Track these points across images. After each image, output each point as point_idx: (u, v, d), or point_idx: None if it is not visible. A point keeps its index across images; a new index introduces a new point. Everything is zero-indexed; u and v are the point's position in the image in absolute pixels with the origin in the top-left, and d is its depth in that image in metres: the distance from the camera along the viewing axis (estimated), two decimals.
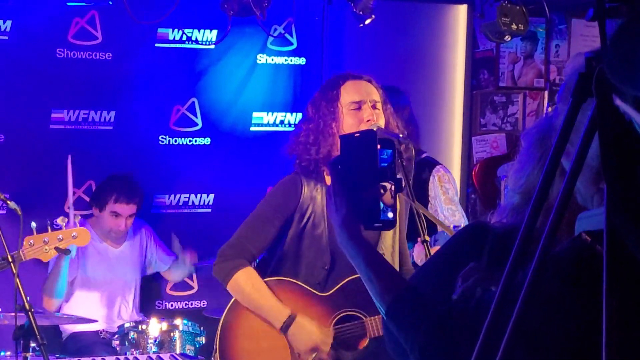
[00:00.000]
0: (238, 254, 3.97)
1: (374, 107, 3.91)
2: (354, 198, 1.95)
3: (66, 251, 4.27)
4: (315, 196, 3.97)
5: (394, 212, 1.94)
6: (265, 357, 3.98)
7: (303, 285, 3.96)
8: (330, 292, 3.94)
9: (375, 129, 3.93)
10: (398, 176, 1.97)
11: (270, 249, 4.07)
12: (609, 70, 1.19)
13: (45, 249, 4.19)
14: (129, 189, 5.59)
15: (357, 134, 2.02)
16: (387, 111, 4.00)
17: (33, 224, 4.17)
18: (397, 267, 4.03)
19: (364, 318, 3.94)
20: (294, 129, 4.13)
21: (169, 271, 5.98)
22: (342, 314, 3.95)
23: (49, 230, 4.24)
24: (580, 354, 1.63)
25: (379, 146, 1.93)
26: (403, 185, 1.98)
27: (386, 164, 1.94)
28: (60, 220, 4.28)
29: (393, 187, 1.94)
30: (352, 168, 1.97)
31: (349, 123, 3.86)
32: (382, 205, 1.92)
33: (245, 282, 3.94)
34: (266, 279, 3.98)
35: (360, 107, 3.90)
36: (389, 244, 4.06)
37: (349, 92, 3.92)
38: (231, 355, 4.00)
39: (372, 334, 3.92)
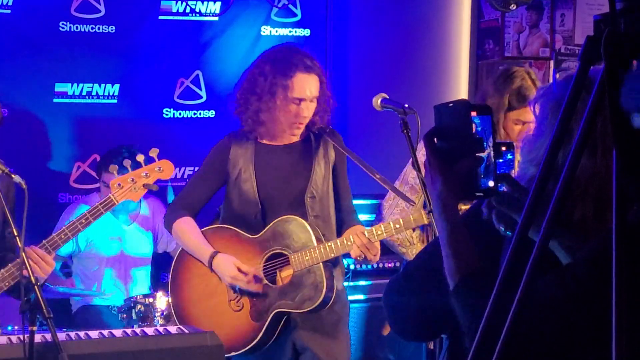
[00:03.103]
0: (180, 206, 4.58)
1: (310, 101, 4.40)
2: (450, 170, 1.91)
3: (153, 186, 4.28)
4: (244, 154, 4.50)
5: (495, 179, 1.88)
6: (206, 302, 4.53)
7: (237, 230, 4.47)
8: (260, 234, 4.43)
9: (380, 101, 4.05)
10: (497, 141, 1.90)
11: (223, 203, 4.63)
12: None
13: (134, 188, 4.21)
14: (119, 160, 5.44)
15: (451, 104, 1.97)
16: (321, 98, 4.46)
17: (114, 167, 4.26)
18: (331, 210, 4.52)
19: (288, 255, 4.38)
20: (237, 87, 4.54)
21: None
22: (270, 252, 4.44)
23: (129, 169, 4.23)
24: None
25: (474, 113, 1.88)
26: (503, 150, 1.91)
27: (483, 132, 1.88)
28: (139, 158, 4.24)
29: (492, 154, 1.88)
30: (448, 139, 1.93)
31: (286, 111, 4.38)
32: (481, 173, 1.87)
33: (182, 229, 4.53)
34: (206, 228, 4.57)
35: (300, 104, 4.37)
36: (318, 190, 4.48)
37: (297, 87, 4.36)
38: (179, 299, 4.60)
39: (295, 268, 4.37)
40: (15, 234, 3.62)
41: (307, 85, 4.39)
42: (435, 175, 1.93)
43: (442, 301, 1.94)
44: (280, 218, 4.39)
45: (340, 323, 4.53)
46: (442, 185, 1.91)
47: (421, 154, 4.33)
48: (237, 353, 4.45)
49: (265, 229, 4.42)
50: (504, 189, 1.85)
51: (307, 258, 4.30)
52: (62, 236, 4.12)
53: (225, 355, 4.33)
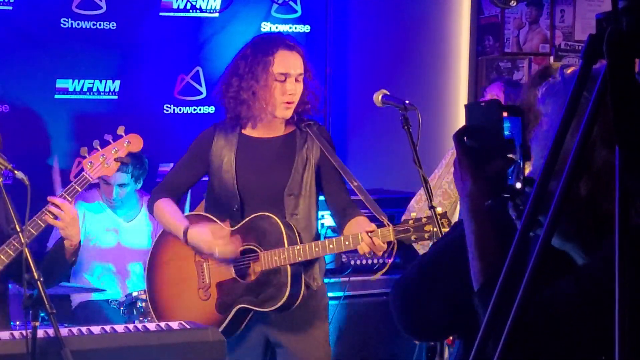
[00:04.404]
0: (162, 190, 4.60)
1: (296, 79, 4.37)
2: (481, 169, 1.90)
3: (125, 159, 4.36)
4: (227, 144, 4.47)
5: (523, 181, 1.86)
6: (176, 288, 4.56)
7: (215, 219, 4.45)
8: (236, 227, 4.40)
9: (381, 97, 4.08)
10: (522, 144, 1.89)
11: (206, 191, 4.64)
12: None
13: (107, 164, 4.25)
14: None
15: (483, 104, 1.97)
16: (307, 80, 4.44)
17: (84, 149, 4.26)
18: (312, 208, 4.47)
19: (259, 252, 4.35)
20: (221, 76, 4.54)
21: None
22: (243, 247, 4.39)
23: (99, 148, 4.27)
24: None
25: (505, 114, 1.87)
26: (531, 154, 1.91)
27: (513, 133, 1.87)
28: (107, 137, 4.30)
29: (519, 156, 1.86)
30: (478, 138, 1.92)
31: (273, 89, 4.32)
32: (509, 175, 1.86)
33: (161, 208, 4.55)
34: (188, 214, 4.66)
35: (285, 80, 4.34)
36: (297, 187, 4.43)
37: (280, 63, 4.35)
38: (153, 283, 4.66)
39: (263, 266, 4.33)
40: (18, 229, 3.64)
41: (290, 61, 4.36)
42: (465, 175, 1.91)
43: (457, 298, 1.93)
44: (255, 214, 4.36)
45: (315, 319, 4.49)
46: (472, 184, 1.90)
47: (450, 153, 4.33)
48: None
49: (241, 224, 4.39)
50: (529, 191, 1.85)
51: (275, 258, 4.27)
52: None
53: None
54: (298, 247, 4.25)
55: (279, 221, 4.30)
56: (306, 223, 4.44)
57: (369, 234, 4.11)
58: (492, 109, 1.91)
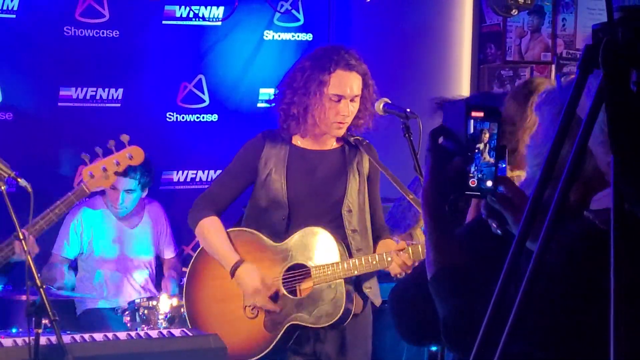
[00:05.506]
0: (207, 205, 4.45)
1: (351, 100, 4.25)
2: (441, 167, 1.95)
3: (124, 173, 4.38)
4: (277, 154, 4.37)
5: (495, 180, 1.90)
6: (220, 306, 4.42)
7: (260, 235, 4.36)
8: (284, 242, 4.32)
9: (383, 105, 4.10)
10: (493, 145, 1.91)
11: (249, 202, 4.51)
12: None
13: (106, 177, 4.27)
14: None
15: (454, 103, 2.00)
16: (364, 98, 4.31)
17: (86, 155, 4.28)
18: (367, 224, 4.40)
19: (310, 267, 4.28)
20: (279, 84, 4.42)
21: (167, 264, 5.93)
22: (292, 263, 4.32)
23: (100, 156, 4.27)
24: (580, 325, 1.66)
25: (481, 114, 1.90)
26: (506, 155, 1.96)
27: (488, 133, 1.90)
28: (110, 145, 4.30)
29: (489, 157, 1.89)
30: (449, 137, 1.97)
31: (326, 109, 4.23)
32: (479, 173, 1.89)
33: (207, 229, 4.41)
34: (229, 230, 4.42)
35: (340, 101, 4.23)
36: (354, 203, 4.38)
37: (335, 85, 4.23)
38: (194, 299, 4.49)
39: (315, 282, 4.27)
40: (20, 237, 3.66)
41: (347, 83, 4.23)
42: (427, 171, 1.98)
43: None
44: (306, 228, 4.28)
45: (365, 334, 4.49)
46: (428, 181, 1.97)
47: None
48: None
49: (290, 238, 4.31)
50: (502, 190, 1.90)
51: (329, 272, 4.21)
52: (37, 227, 4.19)
53: None
54: (354, 260, 4.19)
55: (331, 235, 4.25)
56: (364, 238, 4.38)
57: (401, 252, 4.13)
58: (459, 109, 1.95)
